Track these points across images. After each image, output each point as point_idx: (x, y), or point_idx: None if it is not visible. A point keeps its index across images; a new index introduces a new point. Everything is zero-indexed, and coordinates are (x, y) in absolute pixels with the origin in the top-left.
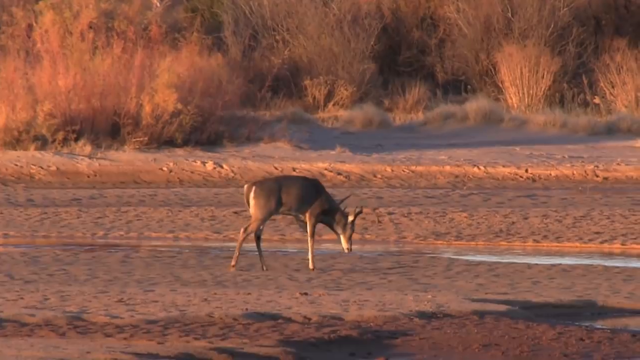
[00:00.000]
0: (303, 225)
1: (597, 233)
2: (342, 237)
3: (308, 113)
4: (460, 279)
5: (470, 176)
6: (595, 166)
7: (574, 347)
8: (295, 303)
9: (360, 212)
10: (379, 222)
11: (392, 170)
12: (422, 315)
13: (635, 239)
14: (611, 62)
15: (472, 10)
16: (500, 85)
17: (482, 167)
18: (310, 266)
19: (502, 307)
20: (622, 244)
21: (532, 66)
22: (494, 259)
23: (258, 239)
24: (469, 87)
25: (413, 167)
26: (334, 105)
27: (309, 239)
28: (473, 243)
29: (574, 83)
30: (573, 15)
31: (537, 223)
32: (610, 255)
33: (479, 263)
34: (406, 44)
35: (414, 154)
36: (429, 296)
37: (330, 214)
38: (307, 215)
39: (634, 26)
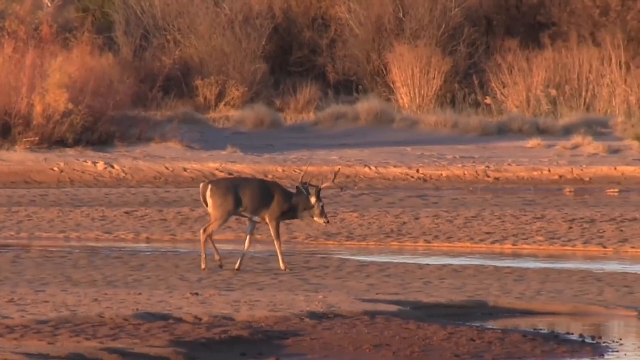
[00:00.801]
0: (252, 224)
1: (488, 233)
2: (314, 219)
3: (199, 113)
4: (352, 280)
5: (362, 176)
6: (486, 166)
7: (465, 348)
8: (186, 303)
9: (320, 189)
10: (342, 189)
11: (284, 171)
12: (313, 315)
13: (526, 239)
14: (503, 62)
15: (364, 11)
16: (392, 86)
17: (373, 168)
18: (282, 267)
19: (394, 308)
20: (514, 245)
21: (424, 66)
22: (385, 259)
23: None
24: (360, 87)
25: (304, 168)
26: (225, 105)
27: (275, 241)
28: (364, 243)
29: (466, 83)
30: (464, 15)
31: (428, 223)
32: (501, 255)
33: (370, 263)
34: (297, 44)
35: (305, 154)
36: (320, 297)
37: (292, 211)
38: (267, 218)
39: (525, 27)
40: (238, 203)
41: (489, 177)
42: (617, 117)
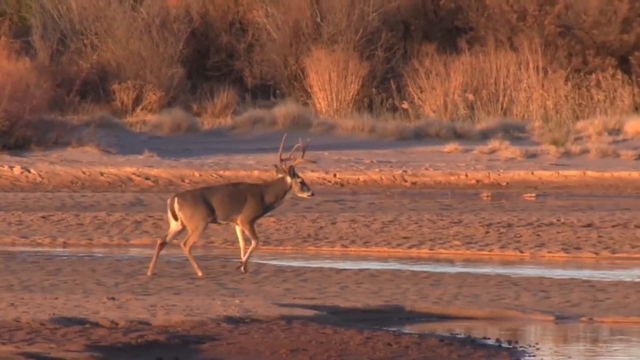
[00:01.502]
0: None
1: (405, 238)
2: (298, 195)
3: (116, 117)
4: (268, 284)
5: None
6: (403, 171)
7: (381, 352)
8: (102, 308)
9: (292, 166)
10: (314, 162)
11: (200, 175)
12: (229, 320)
13: (443, 244)
14: (420, 67)
15: (281, 15)
16: (309, 90)
17: None
18: (243, 269)
19: (310, 312)
20: (430, 249)
21: (341, 71)
22: (302, 263)
23: (162, 245)
24: (277, 91)
25: (221, 172)
26: (142, 109)
27: (252, 242)
28: (281, 248)
29: (383, 88)
30: (382, 20)
31: (345, 228)
32: (418, 260)
33: (287, 268)
34: (215, 48)
35: (222, 159)
36: (237, 301)
37: (269, 208)
38: (240, 222)
39: (442, 31)
40: (211, 210)
41: (406, 181)
42: (534, 122)
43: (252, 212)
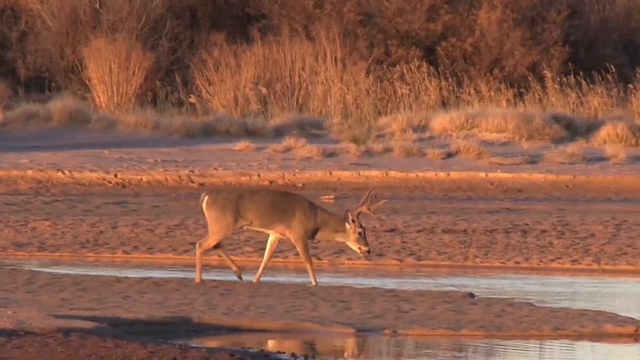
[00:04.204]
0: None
1: (192, 243)
2: (348, 244)
3: None
4: (44, 294)
5: (55, 181)
6: (190, 171)
7: None
8: None
9: (353, 213)
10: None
11: None
12: (1, 332)
13: (233, 250)
14: (208, 57)
15: (57, 2)
16: (88, 83)
17: (67, 172)
18: (313, 282)
19: (89, 324)
20: (220, 256)
21: (122, 62)
22: (80, 271)
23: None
24: (53, 84)
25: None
26: None
27: (305, 263)
28: (57, 254)
29: (168, 80)
30: (167, 7)
31: (127, 232)
32: (206, 267)
33: (64, 276)
34: None
35: None
36: (10, 312)
37: (322, 229)
38: (291, 236)
39: (232, 19)
40: (237, 216)
41: (193, 182)
42: (333, 118)
43: (302, 225)
